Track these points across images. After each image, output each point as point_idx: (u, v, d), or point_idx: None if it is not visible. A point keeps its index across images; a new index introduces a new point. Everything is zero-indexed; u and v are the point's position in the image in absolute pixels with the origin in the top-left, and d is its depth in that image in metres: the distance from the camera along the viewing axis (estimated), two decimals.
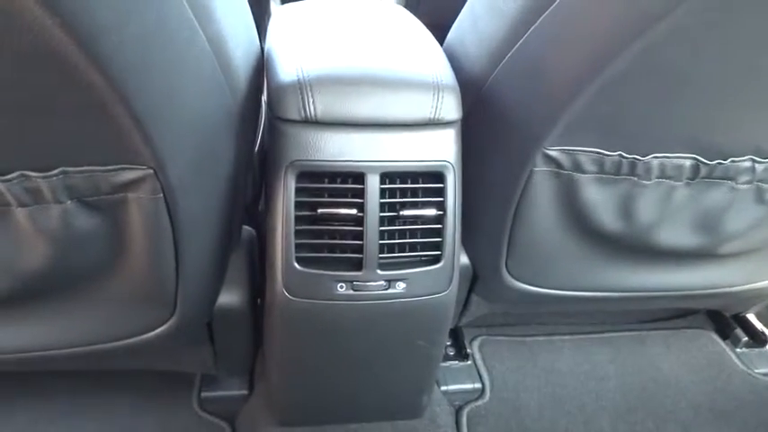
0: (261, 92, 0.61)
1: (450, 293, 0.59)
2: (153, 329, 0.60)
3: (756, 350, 0.96)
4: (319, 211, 0.53)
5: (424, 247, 0.56)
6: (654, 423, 0.83)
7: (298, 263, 0.54)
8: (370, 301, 0.56)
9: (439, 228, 0.56)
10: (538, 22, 0.55)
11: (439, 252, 0.56)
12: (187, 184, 0.48)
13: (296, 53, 0.56)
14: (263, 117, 0.67)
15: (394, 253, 0.55)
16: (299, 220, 0.53)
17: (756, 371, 0.92)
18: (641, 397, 0.86)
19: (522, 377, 0.87)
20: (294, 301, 0.56)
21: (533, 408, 0.84)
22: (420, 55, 0.60)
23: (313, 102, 0.52)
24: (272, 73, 0.54)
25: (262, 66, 0.60)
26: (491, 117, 0.62)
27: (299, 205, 0.53)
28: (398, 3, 0.95)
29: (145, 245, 0.51)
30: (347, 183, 0.54)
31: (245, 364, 0.80)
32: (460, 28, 0.67)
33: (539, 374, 0.87)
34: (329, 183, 0.53)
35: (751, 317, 0.98)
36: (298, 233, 0.54)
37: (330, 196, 0.54)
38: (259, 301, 0.69)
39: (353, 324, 0.58)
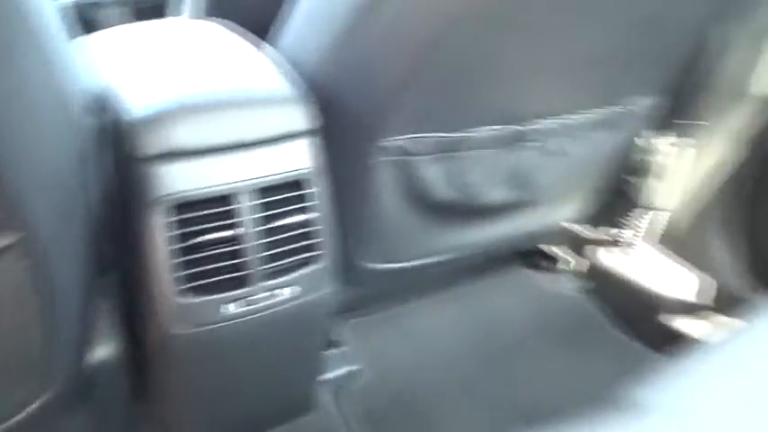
0: (106, 132, 0.58)
1: (332, 290, 0.63)
2: (24, 408, 0.55)
3: (557, 274, 1.16)
4: (197, 240, 0.53)
5: (302, 250, 0.59)
6: (505, 354, 0.97)
7: (181, 295, 0.54)
8: (260, 314, 0.58)
9: (313, 230, 0.59)
10: (364, 24, 0.60)
11: (316, 253, 0.60)
12: (53, 243, 0.45)
13: (140, 87, 0.54)
14: (110, 157, 0.63)
15: (276, 262, 0.57)
16: (175, 253, 0.53)
17: (568, 288, 1.12)
18: (491, 336, 1.00)
19: (392, 349, 0.95)
20: (183, 335, 0.56)
21: (407, 374, 0.93)
22: (261, 70, 0.62)
23: (168, 135, 0.51)
24: (120, 111, 0.52)
25: (103, 105, 0.57)
26: (331, 117, 0.66)
27: (172, 239, 0.53)
28: (196, 12, 0.93)
29: (9, 312, 0.47)
30: (218, 207, 0.54)
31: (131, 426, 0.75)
32: (291, 35, 0.69)
33: (406, 343, 0.96)
34: (200, 210, 0.54)
35: (555, 248, 1.18)
36: (177, 266, 0.53)
37: (204, 222, 0.54)
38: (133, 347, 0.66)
39: (248, 339, 0.59)
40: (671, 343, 0.95)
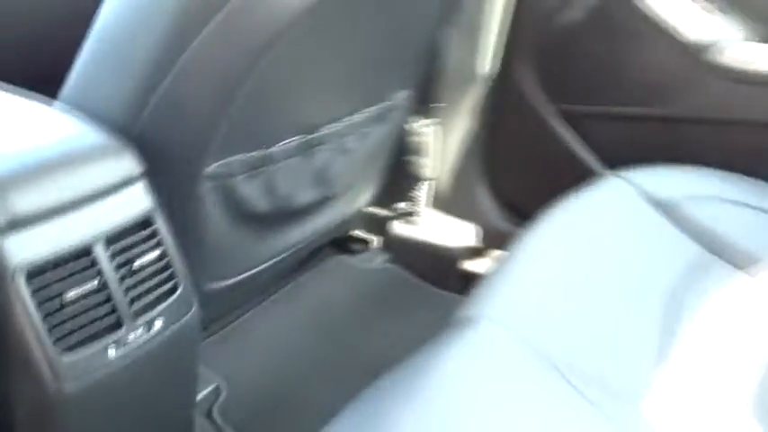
0: None
1: (194, 312, 0.69)
2: None
3: (367, 253, 1.32)
4: (65, 297, 0.55)
5: (164, 282, 0.64)
6: (341, 331, 1.10)
7: (64, 354, 0.56)
8: (140, 350, 0.62)
9: (168, 261, 0.64)
10: (167, 62, 0.66)
11: (175, 281, 0.65)
12: None
13: None
14: None
15: (143, 299, 0.62)
16: (46, 315, 0.54)
17: (378, 262, 1.29)
18: (325, 319, 1.12)
19: (246, 356, 1.01)
20: (73, 392, 0.57)
21: (264, 375, 1.00)
22: (68, 126, 0.65)
23: (5, 205, 0.53)
24: None
25: None
26: (155, 156, 0.70)
27: (39, 304, 0.54)
28: None
29: None
30: (76, 262, 0.57)
31: None
32: (84, 86, 0.71)
33: (256, 347, 1.03)
34: (60, 269, 0.56)
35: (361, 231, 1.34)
36: (52, 327, 0.55)
37: (67, 279, 0.56)
38: None
39: (132, 379, 0.62)
40: (469, 284, 1.17)
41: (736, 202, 0.90)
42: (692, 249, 0.82)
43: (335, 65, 0.78)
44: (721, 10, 1.08)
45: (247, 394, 0.97)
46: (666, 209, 0.87)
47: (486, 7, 1.09)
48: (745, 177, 0.95)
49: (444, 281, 1.27)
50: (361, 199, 1.14)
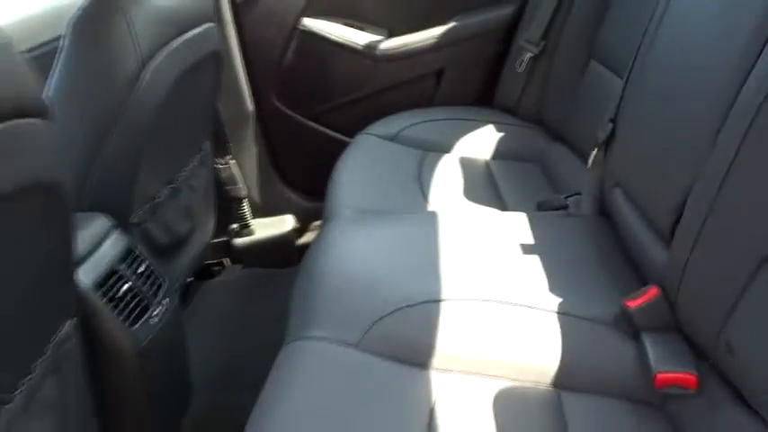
0: None
1: (176, 295, 1.07)
2: None
3: (224, 272, 1.73)
4: (116, 296, 0.92)
5: (156, 280, 1.02)
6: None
7: (127, 327, 0.91)
8: (161, 320, 0.99)
9: (152, 269, 1.03)
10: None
11: (160, 279, 1.03)
12: None
13: None
14: None
15: (153, 291, 0.99)
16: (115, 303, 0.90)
17: (232, 276, 1.71)
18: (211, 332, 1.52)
19: None
20: (134, 346, 0.92)
21: None
22: None
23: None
24: None
25: None
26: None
27: (106, 303, 0.90)
28: None
29: None
30: (113, 276, 0.93)
31: None
32: None
33: None
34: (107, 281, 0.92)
35: None
36: (121, 311, 0.91)
37: (113, 285, 0.92)
38: None
39: (163, 335, 0.99)
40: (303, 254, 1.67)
41: (427, 121, 1.55)
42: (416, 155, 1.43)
43: (176, 134, 1.21)
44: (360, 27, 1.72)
45: None
46: (394, 138, 1.48)
47: (230, 64, 1.59)
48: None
49: (287, 261, 1.73)
50: (209, 230, 1.55)
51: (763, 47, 0.66)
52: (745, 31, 0.69)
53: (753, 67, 0.66)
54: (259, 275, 1.71)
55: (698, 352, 0.70)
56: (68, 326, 0.76)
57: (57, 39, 0.98)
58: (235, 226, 1.73)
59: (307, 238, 1.77)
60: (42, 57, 1.10)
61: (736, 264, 0.62)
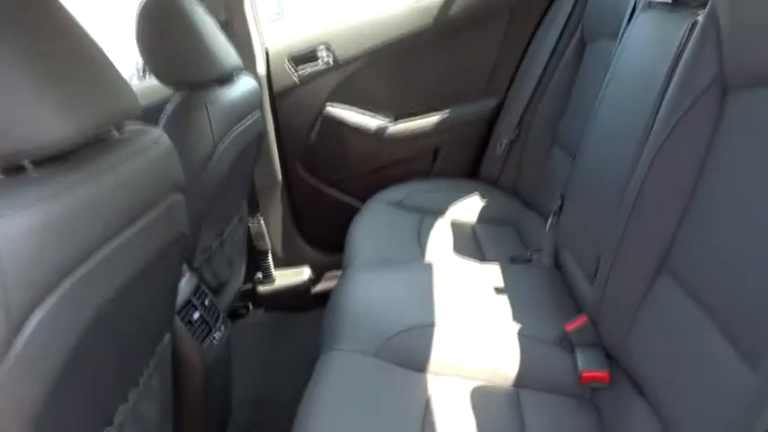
0: None
1: (227, 324, 1.36)
2: None
3: (249, 315, 2.02)
4: (192, 321, 1.22)
5: (215, 311, 1.32)
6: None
7: (199, 344, 1.21)
8: (220, 340, 1.28)
9: (212, 302, 1.33)
10: None
11: (218, 310, 1.33)
12: None
13: None
14: None
15: (212, 318, 1.29)
16: (189, 331, 1.20)
17: (255, 319, 2.00)
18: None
19: None
20: (205, 361, 1.22)
21: None
22: None
23: None
24: None
25: None
26: None
27: (185, 327, 1.20)
28: None
29: None
30: (188, 305, 1.23)
31: None
32: None
33: None
34: (183, 310, 1.22)
35: None
36: (193, 335, 1.21)
37: (188, 312, 1.22)
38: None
39: (223, 352, 1.28)
40: (319, 302, 1.96)
41: (425, 191, 1.89)
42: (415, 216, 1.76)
43: (228, 197, 1.54)
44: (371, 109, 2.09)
45: None
46: (399, 204, 1.81)
47: (267, 141, 1.93)
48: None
49: (304, 306, 2.03)
50: (241, 276, 1.86)
51: (655, 119, 0.92)
52: (647, 108, 0.95)
53: (649, 134, 0.92)
54: (279, 318, 2.01)
55: (611, 357, 1.00)
56: (166, 338, 1.07)
57: None
58: (259, 275, 2.04)
59: (321, 286, 2.08)
60: None
61: (638, 277, 0.90)
